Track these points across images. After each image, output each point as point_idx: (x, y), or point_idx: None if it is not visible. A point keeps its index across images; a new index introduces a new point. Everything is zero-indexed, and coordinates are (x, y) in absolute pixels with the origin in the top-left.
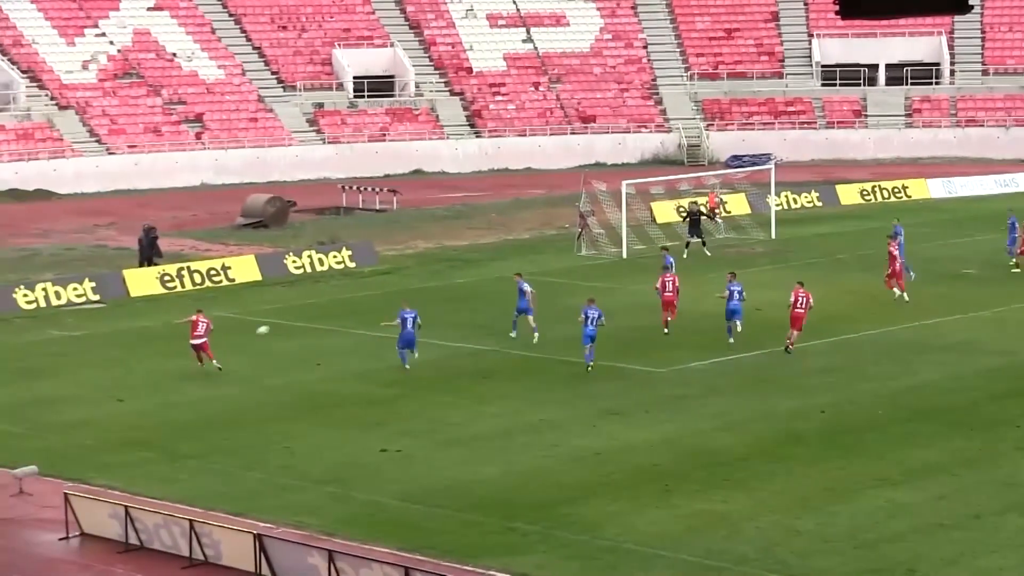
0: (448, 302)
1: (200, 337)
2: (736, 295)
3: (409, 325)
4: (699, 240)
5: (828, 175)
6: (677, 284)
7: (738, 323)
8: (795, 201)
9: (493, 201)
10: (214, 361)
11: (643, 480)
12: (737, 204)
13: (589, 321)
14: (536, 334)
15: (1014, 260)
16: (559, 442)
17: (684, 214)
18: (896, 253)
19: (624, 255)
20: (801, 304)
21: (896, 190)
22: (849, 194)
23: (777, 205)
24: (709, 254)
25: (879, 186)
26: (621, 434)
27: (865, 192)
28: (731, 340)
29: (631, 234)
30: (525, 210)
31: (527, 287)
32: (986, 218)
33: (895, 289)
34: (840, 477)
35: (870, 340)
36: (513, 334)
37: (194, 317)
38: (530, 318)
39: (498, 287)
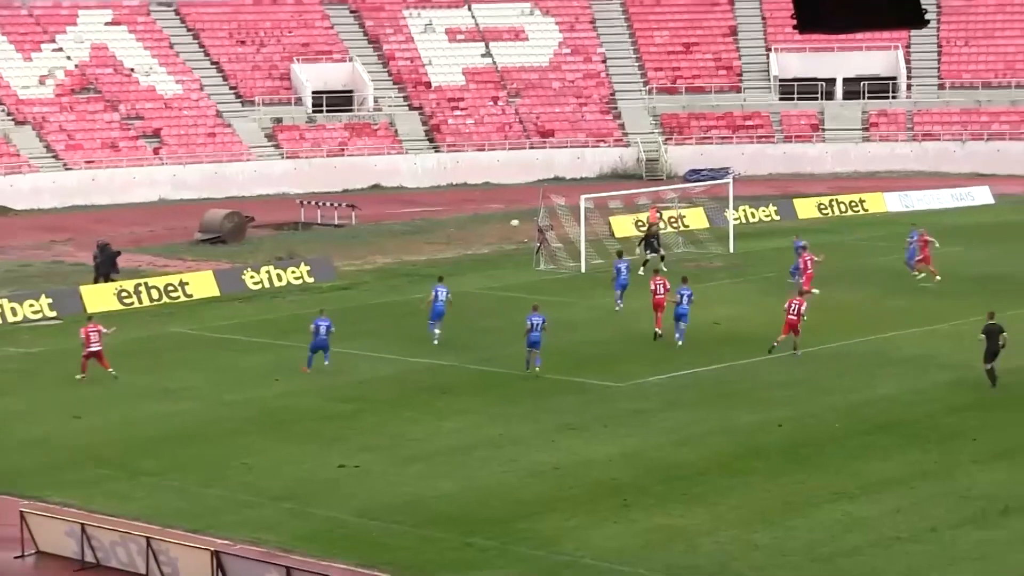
0: (407, 317)
1: (96, 344)
2: (685, 299)
3: (322, 332)
4: (658, 256)
5: (786, 189)
6: (668, 286)
7: (681, 327)
8: (753, 215)
9: (452, 216)
10: (111, 370)
11: (601, 495)
12: (695, 218)
13: (533, 328)
14: (436, 337)
15: (916, 272)
16: (518, 457)
17: (644, 230)
18: (809, 263)
19: (583, 269)
20: (793, 311)
21: (853, 204)
22: (807, 208)
23: (735, 219)
24: (666, 270)
25: (836, 200)
26: (580, 449)
27: (823, 206)
28: (679, 343)
29: (589, 248)
30: (484, 225)
31: (443, 292)
32: (943, 232)
33: (813, 290)
34: (798, 491)
35: (829, 353)
36: (436, 341)
37: (83, 330)
38: (438, 323)
39: (457, 302)
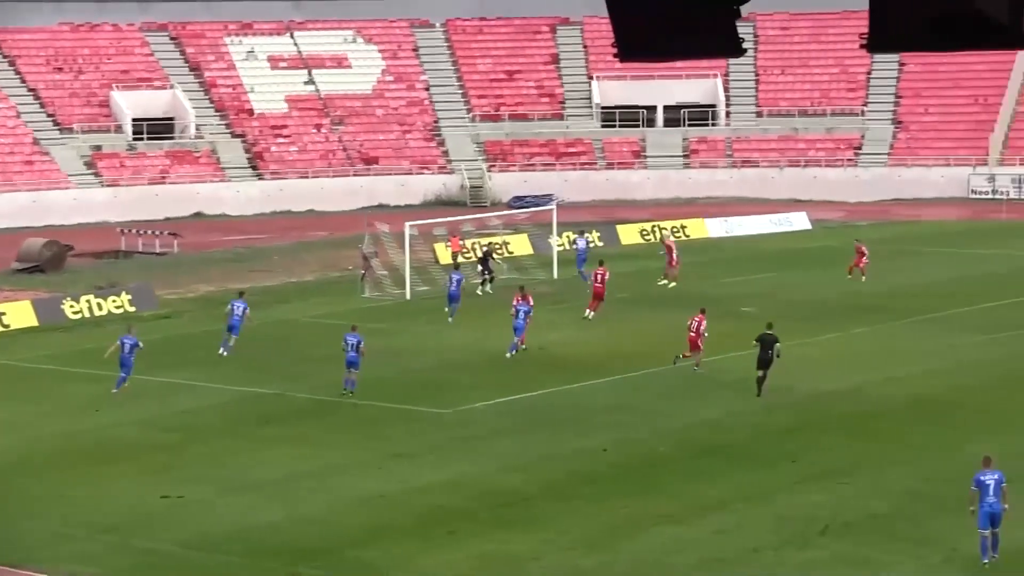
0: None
1: None
2: (521, 314)
3: (126, 349)
4: (487, 278)
5: (609, 215)
6: (532, 302)
7: (518, 340)
8: (577, 241)
9: (275, 244)
10: None
11: (429, 522)
12: (519, 245)
13: (349, 347)
14: (223, 351)
15: (666, 281)
16: (344, 485)
17: (480, 255)
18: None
19: (408, 296)
20: (693, 328)
21: (675, 229)
22: (629, 234)
23: (559, 245)
24: (489, 292)
25: (659, 226)
26: (407, 476)
27: (645, 232)
28: (509, 355)
29: (414, 275)
30: (308, 252)
31: (239, 307)
32: (763, 257)
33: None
34: (624, 515)
35: (652, 378)
36: (221, 351)
37: None
38: (233, 337)
39: (281, 331)
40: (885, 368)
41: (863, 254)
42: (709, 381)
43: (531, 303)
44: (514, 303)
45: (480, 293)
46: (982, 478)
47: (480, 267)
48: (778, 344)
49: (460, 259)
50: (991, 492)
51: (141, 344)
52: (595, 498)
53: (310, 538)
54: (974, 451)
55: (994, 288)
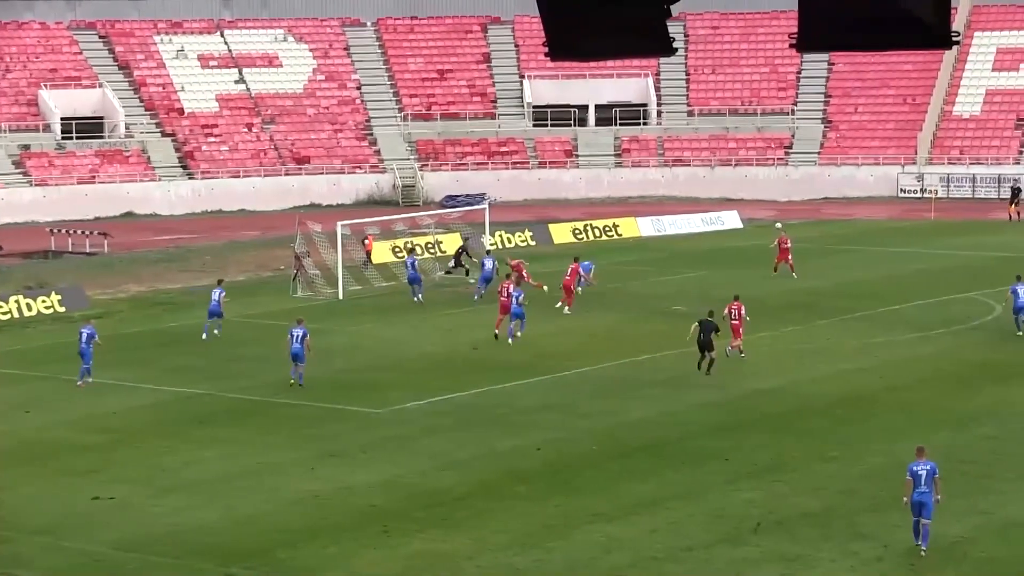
0: (162, 346)
1: None
2: (514, 300)
3: (83, 340)
4: (464, 269)
5: (541, 214)
6: (512, 291)
7: (521, 324)
8: (509, 240)
9: (207, 243)
10: None
11: (362, 522)
12: (452, 244)
13: (294, 339)
14: (208, 332)
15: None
16: (278, 486)
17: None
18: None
19: (340, 296)
20: (735, 316)
21: (607, 228)
22: (562, 233)
23: (491, 244)
24: (434, 276)
25: (591, 225)
26: (340, 476)
27: (577, 231)
28: (511, 340)
29: (347, 275)
30: (240, 252)
31: (217, 293)
32: (694, 256)
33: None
34: (558, 514)
35: (585, 377)
36: (204, 336)
37: None
38: (214, 322)
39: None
40: (816, 366)
41: (786, 244)
42: (639, 380)
43: (529, 276)
44: (501, 292)
45: (436, 279)
46: (915, 468)
47: (453, 262)
48: (718, 331)
49: (374, 259)
50: (923, 482)
51: (97, 337)
52: (529, 497)
53: (244, 539)
54: (905, 449)
55: (923, 286)
